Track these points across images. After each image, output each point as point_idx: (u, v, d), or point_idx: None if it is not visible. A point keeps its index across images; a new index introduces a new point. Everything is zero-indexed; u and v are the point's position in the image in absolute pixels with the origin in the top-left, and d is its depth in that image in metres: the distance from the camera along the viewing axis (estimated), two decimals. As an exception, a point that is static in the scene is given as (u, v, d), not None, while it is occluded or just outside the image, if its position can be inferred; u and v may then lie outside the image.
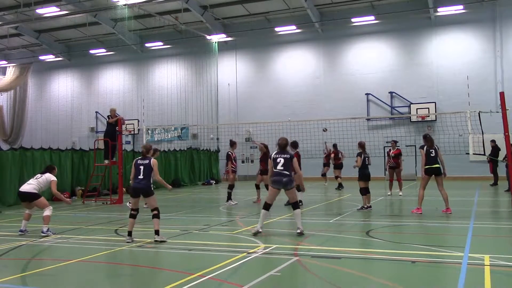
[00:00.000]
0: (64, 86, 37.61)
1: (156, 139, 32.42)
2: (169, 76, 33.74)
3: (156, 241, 8.73)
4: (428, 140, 12.30)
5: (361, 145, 13.59)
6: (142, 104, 32.53)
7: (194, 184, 27.05)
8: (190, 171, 27.56)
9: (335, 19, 28.85)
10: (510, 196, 15.82)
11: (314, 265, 6.90)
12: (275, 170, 9.37)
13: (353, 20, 27.62)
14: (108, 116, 18.02)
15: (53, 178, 10.33)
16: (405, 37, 27.94)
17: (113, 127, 17.76)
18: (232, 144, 16.26)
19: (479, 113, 14.08)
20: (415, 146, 25.17)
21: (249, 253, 7.69)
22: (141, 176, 8.99)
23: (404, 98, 27.30)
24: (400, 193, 16.92)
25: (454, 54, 26.73)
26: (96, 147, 19.14)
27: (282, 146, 9.54)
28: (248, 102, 31.03)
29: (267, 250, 7.95)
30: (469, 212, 12.31)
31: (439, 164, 12.14)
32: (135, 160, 9.31)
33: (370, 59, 28.44)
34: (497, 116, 14.27)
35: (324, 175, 22.73)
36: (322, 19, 29.29)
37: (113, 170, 18.59)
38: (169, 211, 14.20)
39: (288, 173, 9.32)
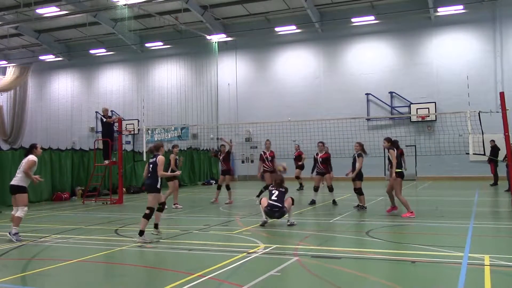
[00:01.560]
0: (64, 86, 37.59)
1: (156, 139, 32.41)
2: (169, 76, 33.74)
3: (152, 233, 9.02)
4: (395, 145, 12.34)
5: (362, 146, 13.55)
6: (142, 104, 32.52)
7: (194, 184, 27.04)
8: (190, 171, 27.57)
9: (335, 19, 28.85)
10: (510, 196, 15.82)
11: (314, 265, 6.90)
12: (269, 201, 10.53)
13: (353, 20, 27.62)
14: (102, 117, 18.01)
15: (31, 157, 9.58)
16: (405, 37, 27.94)
17: (110, 127, 17.76)
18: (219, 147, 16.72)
19: (479, 113, 14.06)
20: (415, 146, 25.18)
21: (249, 253, 7.69)
22: (149, 174, 9.33)
23: (404, 98, 27.30)
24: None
25: (454, 54, 26.73)
26: (96, 147, 19.15)
27: (276, 183, 10.76)
28: (248, 102, 31.03)
29: (267, 250, 7.95)
30: (469, 212, 12.31)
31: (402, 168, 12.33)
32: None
33: (370, 59, 28.44)
34: (497, 116, 14.27)
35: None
36: (322, 19, 29.29)
37: (113, 170, 18.59)
38: (169, 211, 14.20)
39: (280, 205, 10.45)
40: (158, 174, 9.19)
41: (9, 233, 9.30)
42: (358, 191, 13.37)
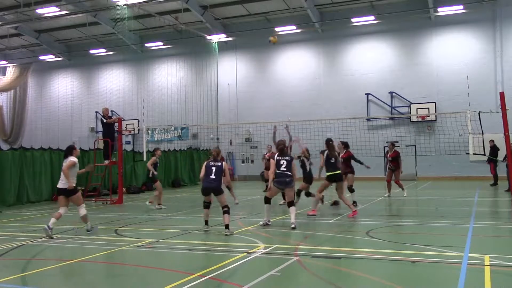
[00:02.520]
0: (64, 86, 37.59)
1: (156, 139, 32.43)
2: (169, 76, 33.73)
3: (226, 235, 9.55)
4: (330, 146, 12.24)
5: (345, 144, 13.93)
6: (142, 104, 32.49)
7: (194, 184, 27.03)
8: (190, 171, 27.57)
9: (335, 19, 28.84)
10: (510, 196, 15.82)
11: (314, 265, 6.90)
12: (278, 171, 10.44)
13: (353, 20, 27.61)
14: (102, 117, 18.00)
15: (72, 158, 9.92)
16: (405, 37, 27.93)
17: (111, 127, 17.77)
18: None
19: (479, 113, 14.06)
20: (415, 146, 25.18)
21: (249, 253, 7.69)
22: (213, 176, 9.85)
23: (404, 98, 27.30)
24: (405, 194, 16.67)
25: (454, 54, 26.72)
26: (96, 147, 19.14)
27: (280, 149, 10.69)
28: (248, 102, 31.03)
29: (267, 250, 7.95)
30: (469, 212, 12.31)
31: (339, 170, 12.15)
32: (206, 162, 10.19)
33: (370, 59, 28.43)
34: (497, 116, 14.26)
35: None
36: (322, 19, 29.28)
37: (113, 170, 18.59)
38: (169, 211, 14.20)
39: (290, 173, 10.45)
40: (226, 180, 10.24)
41: (87, 231, 9.89)
42: (350, 188, 13.56)
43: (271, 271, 6.48)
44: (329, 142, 12.33)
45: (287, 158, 10.59)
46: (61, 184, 9.82)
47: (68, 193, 9.79)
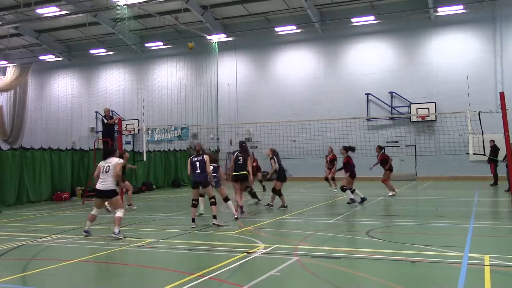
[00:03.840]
0: (64, 86, 37.57)
1: (156, 139, 32.43)
2: (169, 76, 33.72)
3: (214, 224, 10.37)
4: (242, 149, 12.90)
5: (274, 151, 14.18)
6: (142, 104, 32.50)
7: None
8: (190, 171, 27.50)
9: (335, 19, 28.83)
10: (510, 196, 15.81)
11: (314, 265, 6.90)
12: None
13: (353, 20, 27.60)
14: (104, 117, 17.99)
15: (120, 161, 9.88)
16: (405, 37, 27.92)
17: (111, 127, 17.77)
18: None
19: (479, 113, 14.05)
20: (415, 146, 25.18)
21: (249, 253, 7.69)
22: (198, 170, 10.61)
23: (404, 98, 27.29)
24: (390, 194, 16.96)
25: (454, 54, 26.70)
26: (96, 147, 19.14)
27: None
28: (248, 102, 31.02)
29: (267, 250, 7.95)
30: (469, 212, 12.31)
31: (246, 171, 12.66)
32: (190, 158, 10.97)
33: (370, 59, 28.42)
34: (497, 116, 14.26)
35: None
36: (322, 19, 29.28)
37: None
38: (169, 211, 14.19)
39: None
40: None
41: (114, 233, 9.24)
42: (277, 192, 13.83)
43: (271, 271, 6.48)
44: (242, 144, 13.08)
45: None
46: (103, 185, 9.45)
47: (109, 195, 9.49)
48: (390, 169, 17.12)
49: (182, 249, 8.33)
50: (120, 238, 9.15)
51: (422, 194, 18.76)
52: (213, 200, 10.75)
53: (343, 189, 14.71)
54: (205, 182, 10.64)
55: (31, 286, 6.26)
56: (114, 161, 9.61)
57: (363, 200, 14.65)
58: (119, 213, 9.42)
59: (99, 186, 9.53)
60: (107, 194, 9.49)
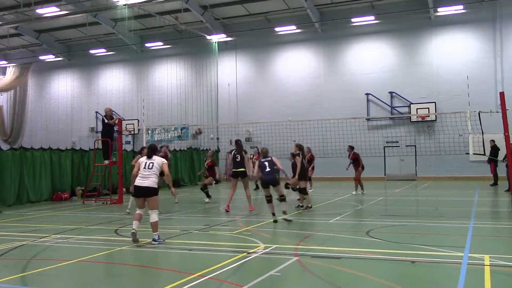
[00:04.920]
0: (64, 86, 37.58)
1: (156, 139, 32.41)
2: (169, 76, 33.73)
3: (285, 219, 10.93)
4: (238, 146, 13.57)
5: (300, 147, 13.77)
6: (142, 104, 32.51)
7: (194, 184, 27.03)
8: (190, 171, 27.56)
9: (335, 19, 28.83)
10: (510, 196, 15.81)
11: (314, 265, 6.90)
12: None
13: (353, 20, 27.61)
14: (104, 117, 17.98)
15: (163, 159, 9.11)
16: (405, 37, 27.92)
17: (111, 127, 17.76)
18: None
19: (479, 113, 14.06)
20: (415, 146, 25.19)
21: (249, 253, 7.69)
22: (268, 169, 11.37)
23: (404, 98, 27.29)
24: (353, 192, 17.64)
25: (454, 54, 26.71)
26: (96, 147, 19.14)
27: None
28: (248, 102, 31.02)
29: (267, 250, 7.95)
30: (469, 212, 12.31)
31: (244, 168, 13.39)
32: (259, 160, 11.75)
33: (370, 59, 28.42)
34: (497, 116, 14.25)
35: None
36: (322, 19, 29.28)
37: (113, 170, 18.59)
38: (169, 211, 14.19)
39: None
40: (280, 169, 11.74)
41: (154, 240, 8.62)
42: (303, 191, 13.39)
43: (271, 271, 6.48)
44: (237, 142, 13.89)
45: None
46: (147, 182, 8.73)
47: (151, 192, 8.77)
48: (362, 167, 17.73)
49: (182, 249, 8.33)
50: (162, 243, 8.63)
51: (422, 194, 18.76)
52: (283, 197, 11.27)
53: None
54: (274, 180, 11.43)
55: (31, 286, 6.25)
56: (158, 159, 9.03)
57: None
58: (155, 217, 8.71)
59: (141, 182, 8.75)
60: (149, 191, 8.74)
